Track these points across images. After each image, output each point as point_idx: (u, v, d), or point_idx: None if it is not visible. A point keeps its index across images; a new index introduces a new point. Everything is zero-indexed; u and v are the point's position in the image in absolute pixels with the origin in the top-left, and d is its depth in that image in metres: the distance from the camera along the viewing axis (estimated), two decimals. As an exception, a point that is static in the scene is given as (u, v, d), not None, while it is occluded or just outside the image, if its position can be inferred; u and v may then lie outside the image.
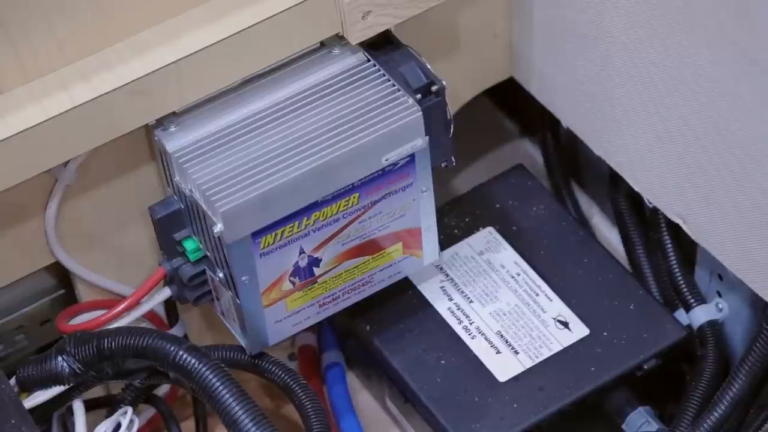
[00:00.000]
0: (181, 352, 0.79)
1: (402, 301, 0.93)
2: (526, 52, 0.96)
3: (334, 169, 0.81)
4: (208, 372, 0.78)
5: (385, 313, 0.92)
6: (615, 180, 0.99)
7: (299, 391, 0.86)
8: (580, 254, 0.94)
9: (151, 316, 0.90)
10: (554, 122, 1.02)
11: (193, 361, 0.79)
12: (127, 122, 0.80)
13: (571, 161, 1.08)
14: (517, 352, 0.90)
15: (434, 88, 0.84)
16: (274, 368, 0.87)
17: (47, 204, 0.84)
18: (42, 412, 0.83)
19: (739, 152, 0.80)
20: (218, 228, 0.79)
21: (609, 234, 1.05)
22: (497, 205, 0.98)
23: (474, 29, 0.95)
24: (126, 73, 0.79)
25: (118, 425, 0.83)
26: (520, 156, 1.12)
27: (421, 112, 0.82)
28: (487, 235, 0.96)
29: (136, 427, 0.83)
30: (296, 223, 0.82)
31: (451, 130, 0.86)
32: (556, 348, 0.89)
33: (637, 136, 0.89)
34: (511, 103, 1.13)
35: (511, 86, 1.00)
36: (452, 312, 0.92)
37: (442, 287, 0.94)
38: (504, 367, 0.89)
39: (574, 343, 0.89)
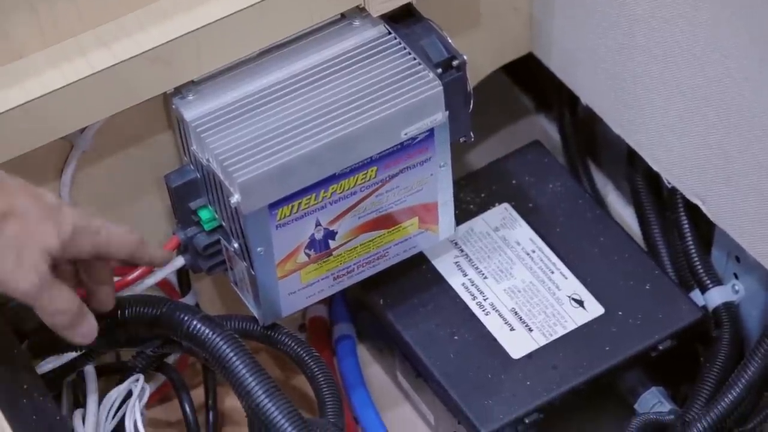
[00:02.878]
0: (195, 322, 0.79)
1: (416, 275, 0.92)
2: (546, 28, 0.96)
3: (352, 142, 0.80)
4: (221, 342, 0.78)
5: (398, 288, 0.92)
6: (632, 158, 0.98)
7: (312, 363, 0.85)
8: (596, 233, 0.94)
9: (163, 284, 0.90)
10: (572, 99, 1.01)
11: (206, 331, 0.78)
12: (145, 90, 0.79)
13: (588, 138, 1.07)
14: (531, 330, 0.89)
15: (455, 62, 0.83)
16: (286, 339, 0.87)
17: (63, 170, 0.84)
18: (53, 378, 0.83)
19: (762, 135, 0.80)
20: (235, 199, 0.79)
21: (624, 212, 1.04)
22: (513, 181, 0.97)
23: (494, 3, 0.94)
24: (145, 40, 0.78)
25: (129, 393, 0.83)
26: (536, 132, 1.11)
27: (441, 87, 0.82)
28: (503, 211, 0.96)
29: (147, 395, 0.83)
30: (313, 195, 0.81)
31: (470, 105, 0.86)
32: (571, 326, 0.89)
33: (659, 116, 0.88)
34: (527, 78, 1.12)
35: (527, 61, 1.00)
36: (466, 288, 0.92)
37: (457, 263, 0.93)
38: (518, 344, 0.88)
39: (588, 322, 0.89)
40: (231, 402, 0.95)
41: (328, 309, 1.00)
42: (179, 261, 0.87)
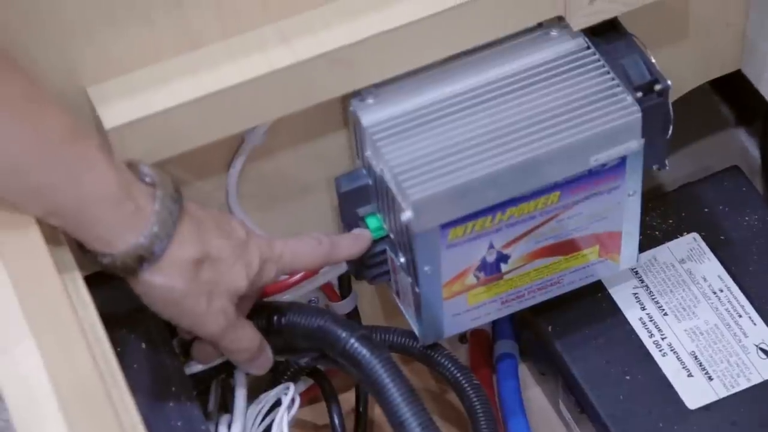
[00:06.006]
0: (352, 341, 0.75)
1: (590, 303, 0.86)
2: (761, 47, 0.88)
3: (537, 166, 0.75)
4: (378, 366, 0.74)
5: (569, 315, 0.86)
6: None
7: (471, 391, 0.81)
8: (793, 277, 0.86)
9: (324, 285, 0.86)
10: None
11: (364, 351, 0.74)
12: (324, 91, 0.75)
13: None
14: (711, 378, 0.82)
15: (657, 87, 0.76)
16: (446, 362, 0.82)
17: (231, 163, 0.80)
18: (202, 377, 0.80)
19: None
20: (407, 216, 0.74)
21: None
22: (706, 210, 0.90)
23: (705, 16, 0.87)
24: (328, 39, 0.73)
25: (279, 400, 0.80)
26: (734, 148, 1.03)
27: (640, 113, 0.75)
28: (691, 241, 0.89)
29: (296, 406, 0.79)
30: (489, 217, 0.76)
31: (669, 132, 0.79)
32: (756, 379, 0.82)
33: None
34: (730, 87, 1.04)
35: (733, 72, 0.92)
36: (644, 323, 0.85)
37: (636, 294, 0.87)
38: (695, 392, 0.82)
39: (775, 377, 0.82)
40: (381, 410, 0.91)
41: (492, 323, 0.95)
42: (343, 267, 0.83)
